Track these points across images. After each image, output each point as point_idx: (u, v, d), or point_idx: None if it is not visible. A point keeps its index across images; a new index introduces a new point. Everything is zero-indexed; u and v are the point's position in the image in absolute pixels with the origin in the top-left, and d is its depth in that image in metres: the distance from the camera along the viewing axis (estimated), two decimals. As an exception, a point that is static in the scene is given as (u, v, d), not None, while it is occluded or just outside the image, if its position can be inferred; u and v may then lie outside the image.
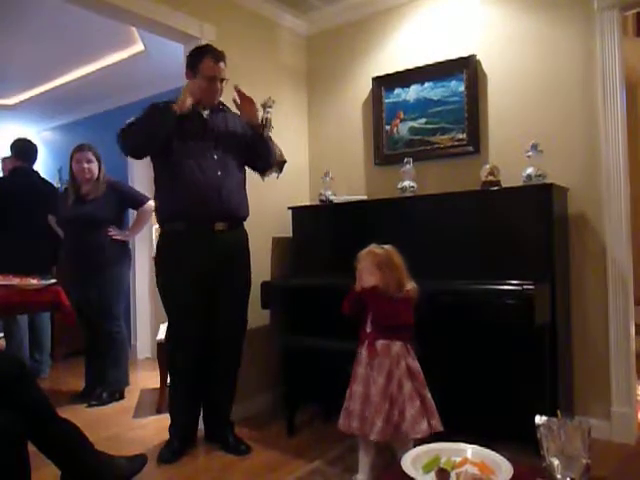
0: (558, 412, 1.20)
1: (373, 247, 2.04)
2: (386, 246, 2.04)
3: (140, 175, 4.64)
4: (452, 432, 1.91)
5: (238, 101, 2.47)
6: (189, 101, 2.33)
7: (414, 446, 1.65)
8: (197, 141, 2.38)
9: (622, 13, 2.52)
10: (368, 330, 2.01)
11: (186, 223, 2.38)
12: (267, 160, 2.58)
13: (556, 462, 1.16)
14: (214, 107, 2.48)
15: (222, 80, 2.41)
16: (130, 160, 4.55)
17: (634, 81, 4.28)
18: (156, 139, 2.31)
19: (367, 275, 1.98)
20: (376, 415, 1.87)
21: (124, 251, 3.50)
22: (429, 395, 1.94)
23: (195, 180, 2.35)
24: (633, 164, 2.64)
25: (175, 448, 2.44)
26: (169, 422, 2.53)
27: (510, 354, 2.37)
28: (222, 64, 2.40)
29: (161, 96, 3.31)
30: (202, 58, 2.37)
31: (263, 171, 2.65)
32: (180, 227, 2.39)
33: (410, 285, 1.99)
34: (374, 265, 1.98)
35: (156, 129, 2.30)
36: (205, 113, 2.45)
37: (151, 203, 3.35)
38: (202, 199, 2.34)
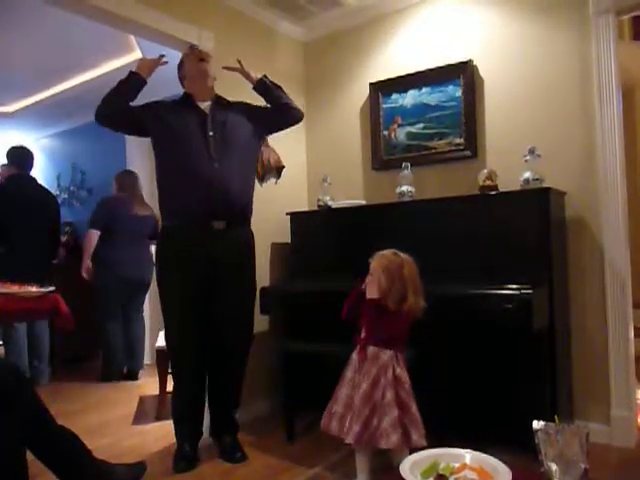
0: (556, 417, 1.20)
1: (390, 251, 2.00)
2: (403, 255, 1.99)
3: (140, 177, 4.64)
4: (451, 437, 1.91)
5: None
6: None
7: (410, 452, 1.65)
8: (196, 137, 2.34)
9: (617, 17, 2.54)
10: (362, 335, 2.02)
11: (183, 220, 2.34)
12: (286, 108, 2.52)
13: (554, 467, 1.16)
14: (215, 101, 2.47)
15: (208, 59, 2.44)
16: (130, 163, 4.58)
17: (630, 85, 4.30)
18: (121, 106, 2.41)
19: (372, 281, 1.95)
20: (355, 420, 1.88)
21: (98, 261, 3.90)
22: (414, 406, 1.91)
23: (192, 177, 2.29)
24: (630, 168, 2.65)
25: (187, 454, 2.39)
26: (174, 430, 2.48)
27: (509, 358, 2.37)
28: (207, 58, 2.44)
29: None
30: (185, 59, 2.49)
31: (296, 120, 2.59)
32: (177, 223, 2.35)
33: (413, 300, 1.93)
34: (381, 269, 1.95)
35: (121, 96, 2.41)
36: (205, 106, 2.43)
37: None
38: (199, 197, 2.28)
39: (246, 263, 2.47)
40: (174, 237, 2.36)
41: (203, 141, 2.34)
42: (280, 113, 2.55)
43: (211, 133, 2.37)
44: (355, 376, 1.97)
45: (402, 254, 2.00)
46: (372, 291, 1.95)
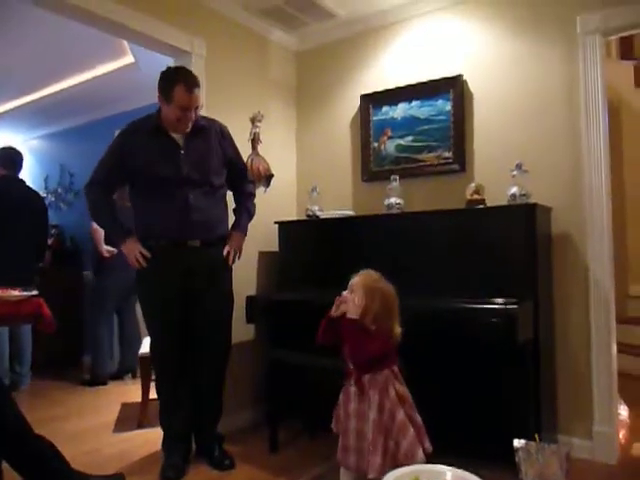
0: (536, 436, 1.21)
1: (373, 272, 1.94)
2: (384, 281, 1.93)
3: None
4: (435, 452, 1.90)
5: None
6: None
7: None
8: (169, 166, 2.35)
9: (604, 38, 2.57)
10: (351, 367, 1.92)
11: (160, 240, 2.39)
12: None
13: (534, 486, 1.16)
14: (190, 130, 2.40)
15: (196, 108, 2.35)
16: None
17: (617, 103, 4.36)
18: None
19: (352, 299, 1.88)
20: (373, 452, 1.79)
21: (102, 267, 4.18)
22: (418, 417, 1.87)
23: (167, 210, 2.35)
24: (616, 185, 2.67)
25: (174, 463, 2.38)
26: (162, 440, 2.47)
27: (493, 372, 2.37)
28: (196, 91, 2.29)
29: (150, 108, 3.30)
30: (174, 86, 2.26)
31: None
32: (153, 243, 2.39)
33: (391, 324, 1.87)
34: (362, 287, 1.88)
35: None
36: (179, 137, 2.40)
37: None
38: (174, 226, 2.35)
39: (221, 274, 2.51)
40: (152, 255, 2.39)
41: (178, 173, 2.36)
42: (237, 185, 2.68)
43: (185, 169, 2.37)
44: (359, 407, 1.87)
45: (383, 279, 1.94)
46: (352, 311, 1.87)
